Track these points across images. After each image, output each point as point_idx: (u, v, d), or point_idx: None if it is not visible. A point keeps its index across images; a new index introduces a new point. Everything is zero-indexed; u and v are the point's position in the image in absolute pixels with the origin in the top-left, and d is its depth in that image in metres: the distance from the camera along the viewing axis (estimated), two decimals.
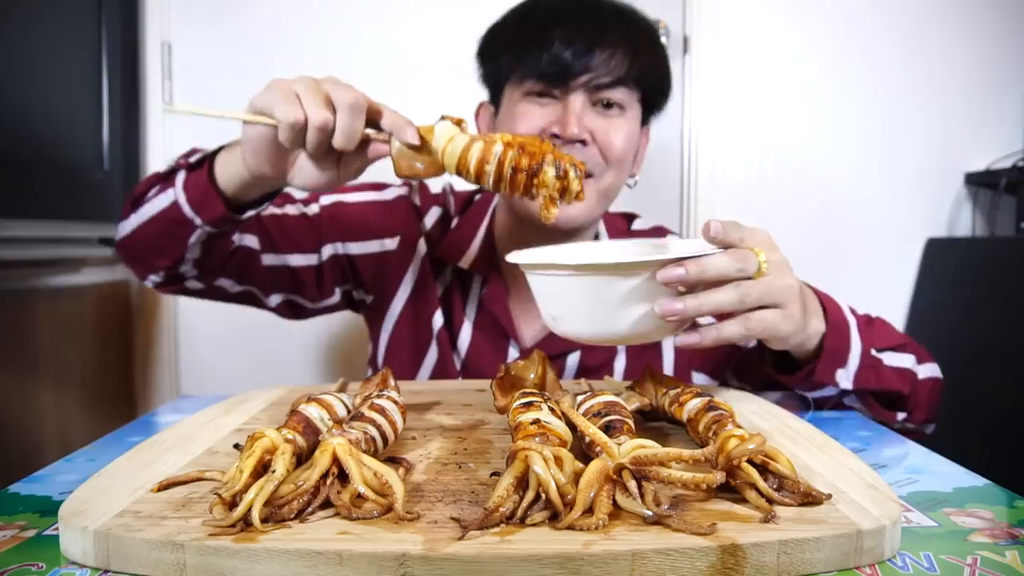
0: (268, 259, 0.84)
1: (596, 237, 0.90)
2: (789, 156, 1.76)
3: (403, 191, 0.95)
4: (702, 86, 1.71)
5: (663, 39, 1.72)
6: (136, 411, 1.63)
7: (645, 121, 0.87)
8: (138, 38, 1.62)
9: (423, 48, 1.64)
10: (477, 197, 0.96)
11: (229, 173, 0.71)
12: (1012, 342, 1.43)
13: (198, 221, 0.71)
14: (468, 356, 0.87)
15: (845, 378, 0.67)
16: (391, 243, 0.90)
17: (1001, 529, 0.41)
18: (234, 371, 1.63)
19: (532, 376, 0.58)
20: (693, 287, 0.54)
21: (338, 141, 0.63)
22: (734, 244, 0.56)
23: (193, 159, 0.73)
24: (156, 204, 0.74)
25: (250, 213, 0.74)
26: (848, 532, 0.36)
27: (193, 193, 0.71)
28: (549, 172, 0.64)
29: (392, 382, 0.58)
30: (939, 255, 1.74)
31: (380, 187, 0.94)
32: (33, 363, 1.29)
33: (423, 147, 0.66)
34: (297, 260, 0.86)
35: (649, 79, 0.83)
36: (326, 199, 0.90)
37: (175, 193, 0.72)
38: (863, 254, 1.77)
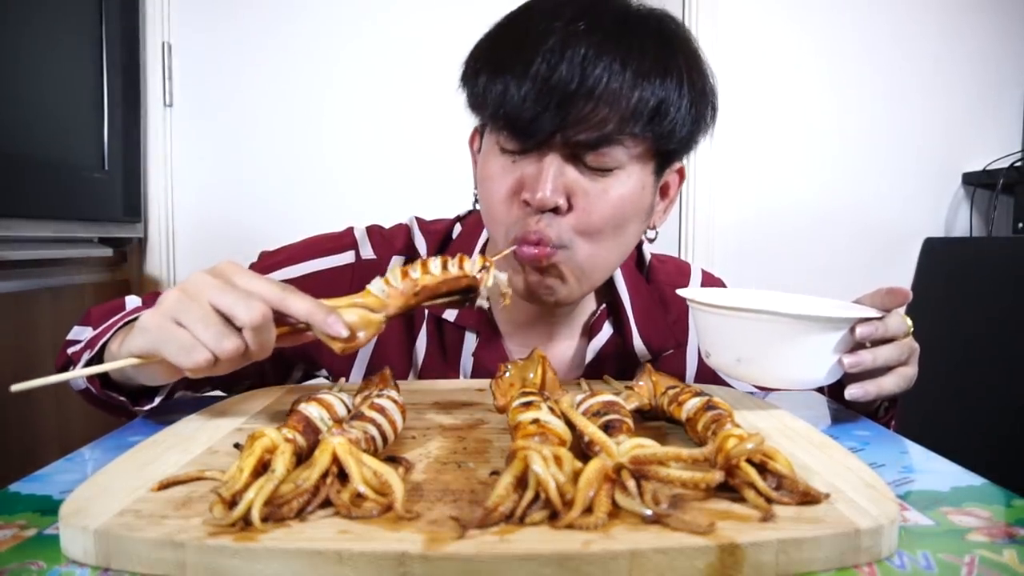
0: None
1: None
2: (788, 156, 1.76)
3: (347, 256, 0.81)
4: None
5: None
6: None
7: (665, 167, 0.71)
8: (138, 38, 1.62)
9: (422, 48, 1.65)
10: (456, 230, 0.83)
11: (134, 376, 0.61)
12: (1009, 342, 1.43)
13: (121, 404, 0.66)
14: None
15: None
16: None
17: (999, 528, 0.41)
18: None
19: (532, 376, 0.58)
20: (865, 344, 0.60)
21: (254, 357, 0.52)
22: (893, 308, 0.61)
23: (82, 361, 0.65)
24: (76, 383, 0.69)
25: (159, 398, 0.66)
26: (846, 531, 0.36)
27: (98, 400, 0.66)
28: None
29: (392, 381, 0.58)
30: (937, 255, 1.75)
31: (323, 249, 0.82)
32: (33, 363, 1.29)
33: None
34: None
35: (663, 128, 0.64)
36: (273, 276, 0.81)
37: (82, 382, 0.66)
38: (861, 253, 1.77)
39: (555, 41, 0.61)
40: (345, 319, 0.53)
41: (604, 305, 0.81)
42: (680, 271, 0.88)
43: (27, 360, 1.28)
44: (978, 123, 1.77)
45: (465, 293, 0.58)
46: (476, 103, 0.69)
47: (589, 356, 0.80)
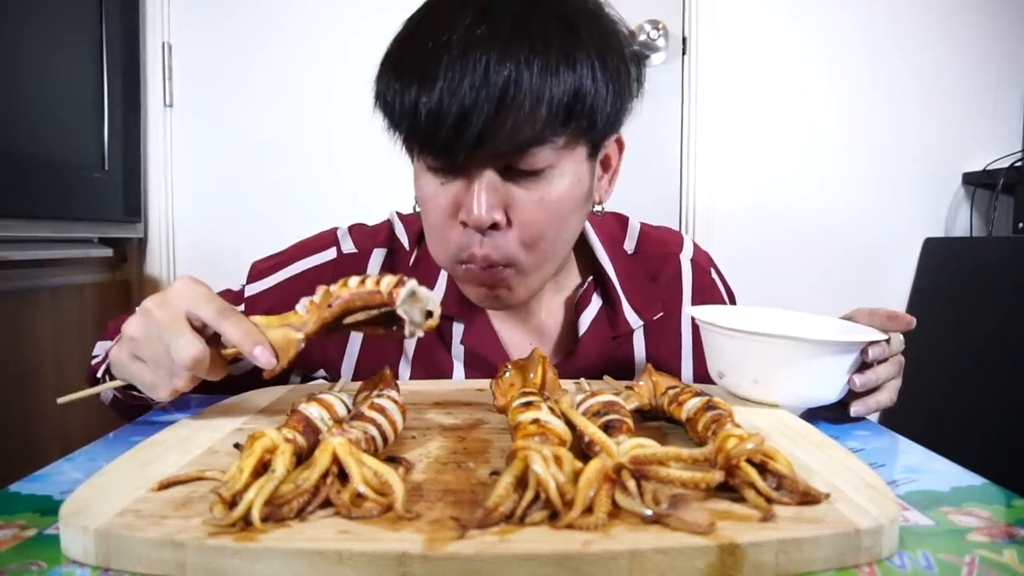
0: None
1: (586, 244, 0.82)
2: (788, 156, 1.76)
3: (329, 253, 0.81)
4: (701, 87, 1.71)
5: (659, 39, 1.72)
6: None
7: (598, 148, 0.69)
8: (138, 38, 1.62)
9: None
10: None
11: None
12: (1009, 342, 1.43)
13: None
14: None
15: None
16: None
17: (999, 528, 0.41)
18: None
19: (532, 376, 0.58)
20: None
21: (213, 378, 0.57)
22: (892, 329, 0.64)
23: (109, 395, 0.71)
24: (106, 395, 0.74)
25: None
26: (846, 531, 0.36)
27: (126, 406, 0.71)
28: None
29: (392, 382, 0.58)
30: (937, 255, 1.75)
31: (308, 249, 0.83)
32: (34, 362, 1.29)
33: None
34: (235, 370, 0.74)
35: (583, 117, 0.62)
36: (249, 291, 0.82)
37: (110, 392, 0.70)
38: (861, 254, 1.77)
39: (456, 53, 0.59)
40: (271, 339, 0.55)
41: (591, 278, 0.82)
42: (672, 240, 0.89)
43: (27, 360, 1.28)
44: (978, 123, 1.77)
45: (390, 318, 0.54)
46: (391, 122, 0.66)
47: (581, 329, 0.80)
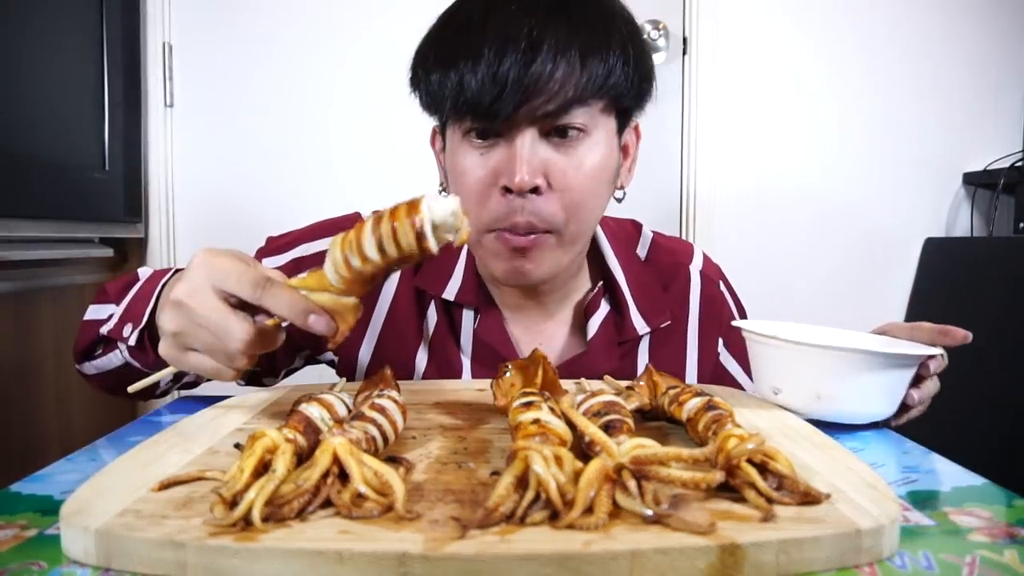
0: None
1: (597, 250, 0.83)
2: (788, 156, 1.76)
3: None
4: (701, 87, 1.71)
5: (660, 39, 1.72)
6: (137, 411, 1.63)
7: (624, 126, 0.74)
8: (138, 38, 1.62)
9: None
10: None
11: None
12: (1010, 342, 1.43)
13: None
14: None
15: None
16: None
17: (1000, 528, 0.41)
18: None
19: (533, 376, 0.58)
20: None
21: (270, 348, 0.55)
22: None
23: (132, 338, 0.65)
24: (110, 361, 0.71)
25: None
26: (847, 531, 0.36)
27: (145, 362, 0.67)
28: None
29: (392, 382, 0.58)
30: (937, 255, 1.75)
31: (332, 228, 0.79)
32: (34, 363, 1.29)
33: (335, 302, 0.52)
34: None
35: (617, 82, 0.67)
36: (279, 260, 0.80)
37: (124, 356, 0.68)
38: (862, 254, 1.77)
39: (501, 22, 0.64)
40: (321, 304, 0.51)
41: (600, 283, 0.82)
42: (682, 251, 0.90)
43: (27, 360, 1.28)
44: (979, 123, 1.77)
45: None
46: (432, 101, 0.70)
47: (590, 333, 0.80)
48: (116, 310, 0.71)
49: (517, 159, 0.65)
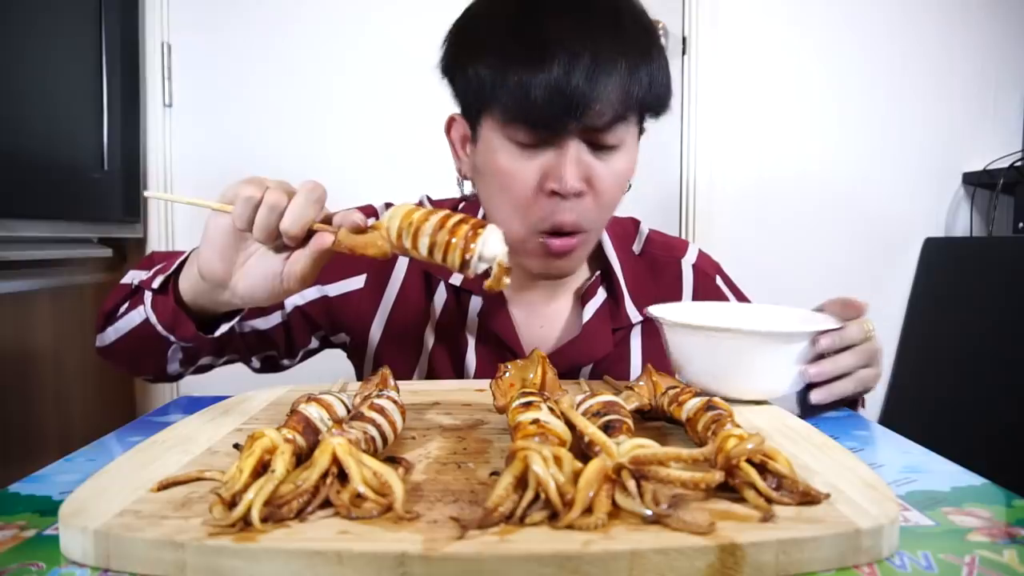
0: (238, 328, 0.78)
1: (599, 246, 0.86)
2: (787, 157, 1.76)
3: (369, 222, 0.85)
4: (701, 87, 1.71)
5: (660, 39, 1.72)
6: (136, 411, 1.63)
7: (643, 130, 0.78)
8: (138, 38, 1.62)
9: (422, 47, 1.64)
10: (461, 207, 0.88)
11: (190, 284, 0.64)
12: (1009, 341, 1.43)
13: (173, 339, 0.68)
14: (477, 376, 0.84)
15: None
16: (357, 281, 0.84)
17: (999, 528, 0.41)
18: (234, 371, 1.63)
19: (532, 376, 0.58)
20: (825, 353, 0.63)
21: (284, 223, 0.55)
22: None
23: (157, 282, 0.67)
24: (130, 320, 0.72)
25: (223, 329, 0.66)
26: (846, 531, 0.36)
27: (163, 314, 0.67)
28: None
29: (392, 382, 0.58)
30: (937, 255, 1.75)
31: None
32: (34, 363, 1.29)
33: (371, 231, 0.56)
34: (261, 324, 0.81)
35: (655, 95, 0.71)
36: None
37: (145, 311, 0.68)
38: (861, 254, 1.77)
39: (562, 30, 0.66)
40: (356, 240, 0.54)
41: (598, 272, 0.86)
42: (676, 246, 0.94)
43: (27, 360, 1.28)
44: (978, 123, 1.77)
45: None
46: (476, 96, 0.71)
47: (586, 317, 0.84)
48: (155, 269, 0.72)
49: (567, 166, 0.69)
